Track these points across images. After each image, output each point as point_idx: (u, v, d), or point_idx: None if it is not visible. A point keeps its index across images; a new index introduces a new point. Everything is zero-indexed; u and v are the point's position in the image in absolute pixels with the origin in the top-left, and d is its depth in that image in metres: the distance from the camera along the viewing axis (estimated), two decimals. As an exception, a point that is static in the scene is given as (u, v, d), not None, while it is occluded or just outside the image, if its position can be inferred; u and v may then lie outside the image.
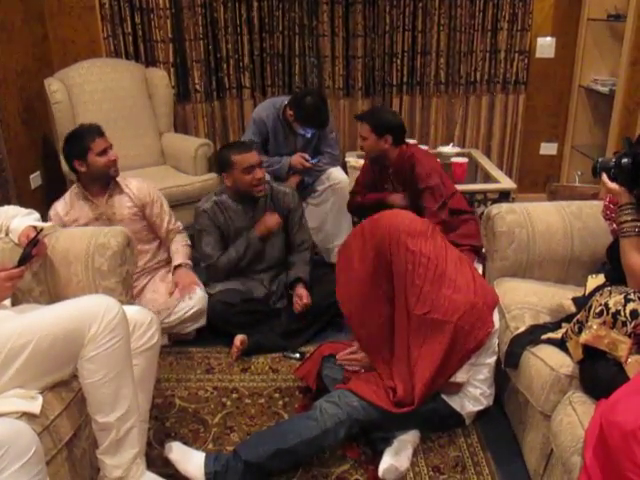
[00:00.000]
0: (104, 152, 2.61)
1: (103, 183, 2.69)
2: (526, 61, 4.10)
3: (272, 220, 2.80)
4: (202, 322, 2.74)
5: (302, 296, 2.75)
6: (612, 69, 3.98)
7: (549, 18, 4.08)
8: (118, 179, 2.75)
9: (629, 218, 1.80)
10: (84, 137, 2.61)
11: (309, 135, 3.26)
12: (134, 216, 2.76)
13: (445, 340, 1.90)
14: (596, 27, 3.95)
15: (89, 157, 2.59)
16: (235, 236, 2.81)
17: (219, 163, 2.82)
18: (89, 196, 2.68)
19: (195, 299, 2.68)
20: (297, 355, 2.65)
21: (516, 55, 4.07)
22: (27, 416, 1.58)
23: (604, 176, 1.86)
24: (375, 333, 2.06)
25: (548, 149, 4.41)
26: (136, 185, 2.79)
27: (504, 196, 3.43)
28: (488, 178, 3.63)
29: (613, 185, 1.84)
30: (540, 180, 4.45)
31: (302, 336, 2.76)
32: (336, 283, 2.12)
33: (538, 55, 4.15)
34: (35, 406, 1.61)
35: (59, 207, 2.69)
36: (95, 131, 2.63)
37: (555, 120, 4.33)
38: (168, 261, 2.90)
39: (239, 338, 2.65)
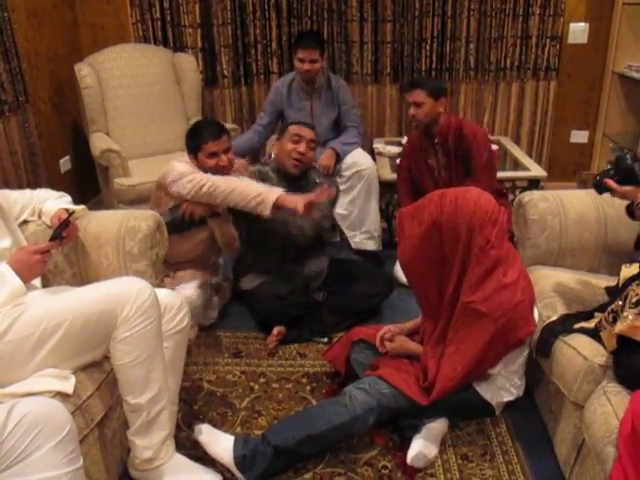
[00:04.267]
0: (214, 155, 2.55)
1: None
2: (558, 47, 4.02)
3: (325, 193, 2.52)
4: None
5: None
6: (648, 55, 3.89)
7: (582, 3, 3.99)
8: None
9: None
10: (200, 135, 2.58)
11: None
12: None
13: (486, 337, 1.86)
14: (632, 12, 3.85)
15: (199, 156, 2.57)
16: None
17: (279, 131, 2.86)
18: None
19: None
20: (325, 339, 2.65)
21: (548, 41, 4.00)
22: (60, 396, 1.60)
23: (612, 183, 1.91)
24: (430, 302, 2.02)
25: (579, 137, 4.33)
26: None
27: (534, 184, 3.38)
28: (517, 166, 3.58)
29: (626, 188, 1.90)
30: (570, 169, 4.37)
31: (337, 328, 2.72)
32: (399, 244, 2.02)
33: (570, 41, 4.06)
34: (68, 386, 1.63)
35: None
36: (212, 132, 2.56)
37: (586, 108, 4.25)
38: None
39: (278, 329, 2.63)
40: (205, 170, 2.57)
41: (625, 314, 1.67)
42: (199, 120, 2.63)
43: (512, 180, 3.44)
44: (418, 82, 2.93)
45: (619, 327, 1.67)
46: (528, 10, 3.93)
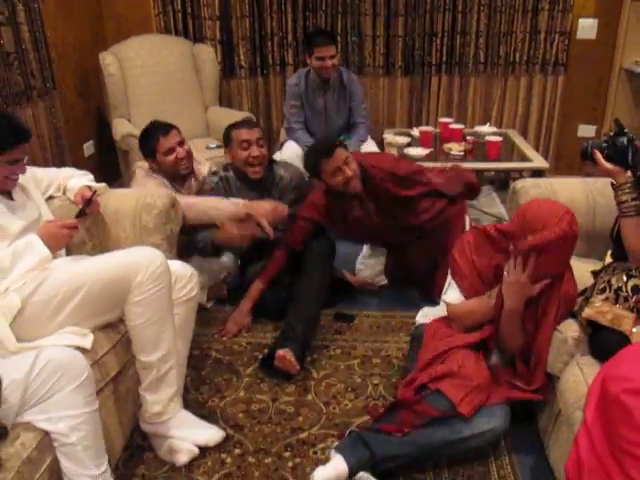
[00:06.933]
0: (171, 151, 2.65)
1: (179, 177, 2.75)
2: (566, 42, 4.11)
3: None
4: None
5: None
6: (655, 52, 3.95)
7: (592, -1, 4.07)
8: (195, 167, 2.81)
9: (628, 197, 1.87)
10: (150, 138, 2.68)
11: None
12: None
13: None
14: (640, 8, 3.93)
15: (157, 157, 2.67)
16: None
17: (224, 138, 2.83)
18: (177, 186, 2.74)
19: None
20: (350, 322, 2.76)
21: (556, 36, 4.09)
22: (79, 350, 1.76)
23: (599, 156, 1.90)
24: None
25: (586, 131, 4.40)
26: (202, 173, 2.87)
27: (537, 175, 3.46)
28: (524, 159, 3.67)
29: (609, 165, 1.89)
30: (576, 163, 4.42)
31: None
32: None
33: (579, 36, 4.14)
34: (87, 341, 1.81)
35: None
36: (160, 130, 2.66)
37: (594, 103, 4.32)
38: None
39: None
40: (168, 169, 2.68)
41: (592, 300, 1.80)
42: (142, 130, 2.75)
43: (516, 171, 3.54)
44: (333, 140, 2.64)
45: (587, 312, 1.80)
46: (537, 5, 4.03)
